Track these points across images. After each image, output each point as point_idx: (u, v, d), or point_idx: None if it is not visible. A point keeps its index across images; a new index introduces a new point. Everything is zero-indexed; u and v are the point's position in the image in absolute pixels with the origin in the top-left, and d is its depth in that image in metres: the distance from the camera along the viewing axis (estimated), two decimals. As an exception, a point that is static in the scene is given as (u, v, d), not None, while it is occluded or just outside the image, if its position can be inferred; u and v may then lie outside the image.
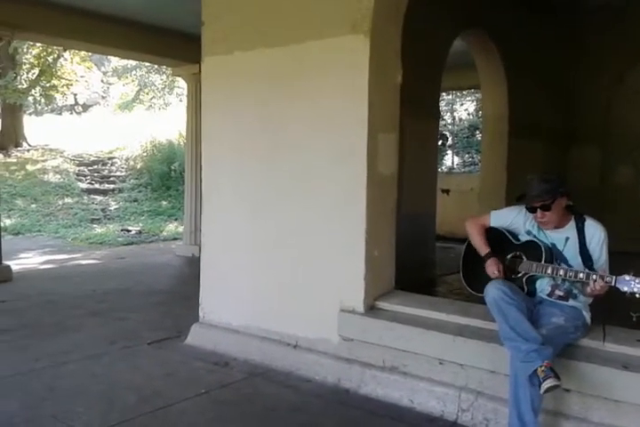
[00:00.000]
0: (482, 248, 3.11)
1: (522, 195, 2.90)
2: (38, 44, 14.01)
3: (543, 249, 2.89)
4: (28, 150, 15.34)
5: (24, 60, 15.35)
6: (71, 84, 17.66)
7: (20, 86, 15.08)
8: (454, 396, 3.08)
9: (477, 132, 14.82)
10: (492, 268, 2.98)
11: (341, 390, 3.43)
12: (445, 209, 8.38)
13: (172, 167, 14.17)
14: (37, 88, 16.39)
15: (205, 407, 3.21)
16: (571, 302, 2.88)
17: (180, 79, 13.14)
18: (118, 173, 14.72)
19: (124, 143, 15.92)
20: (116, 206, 13.06)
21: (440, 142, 9.60)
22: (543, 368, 2.47)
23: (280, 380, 3.59)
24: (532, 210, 2.89)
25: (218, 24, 4.21)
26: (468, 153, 15.43)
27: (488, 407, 2.96)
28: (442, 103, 10.66)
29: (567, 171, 8.02)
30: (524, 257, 2.97)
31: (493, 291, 2.74)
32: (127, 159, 15.26)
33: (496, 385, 2.95)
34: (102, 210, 12.70)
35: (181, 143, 14.26)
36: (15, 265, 7.06)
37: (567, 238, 2.89)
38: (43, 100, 18.61)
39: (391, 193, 3.81)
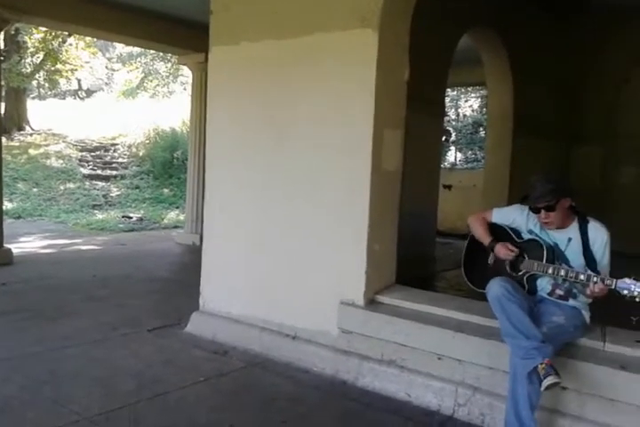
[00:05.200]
0: (485, 237, 3.12)
1: (526, 195, 2.90)
2: (43, 28, 13.94)
3: (545, 248, 2.90)
4: (31, 135, 15.33)
5: (28, 44, 15.29)
6: (75, 70, 17.63)
7: (23, 70, 15.02)
8: (451, 391, 3.10)
9: (481, 128, 14.81)
10: (503, 250, 2.99)
11: (339, 382, 3.46)
12: (447, 205, 8.40)
13: (175, 155, 14.17)
14: (41, 72, 16.34)
15: (204, 395, 3.24)
16: (571, 302, 2.90)
17: (184, 67, 13.11)
18: (120, 160, 14.71)
19: (127, 130, 15.90)
20: (118, 193, 13.08)
21: (443, 138, 9.59)
22: (544, 365, 2.50)
23: (279, 370, 3.62)
24: (535, 210, 2.90)
25: (226, 14, 4.20)
26: (471, 149, 15.42)
27: (484, 403, 2.99)
28: (446, 99, 10.63)
29: (570, 170, 8.03)
30: (525, 255, 2.98)
31: (496, 288, 2.76)
32: (130, 146, 15.25)
33: (493, 381, 2.98)
34: (104, 196, 12.73)
35: (184, 131, 14.25)
36: (16, 249, 7.08)
37: (570, 239, 2.90)
38: (46, 85, 18.57)
39: (395, 189, 3.82)
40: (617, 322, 3.08)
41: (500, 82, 7.46)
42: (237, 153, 4.21)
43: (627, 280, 2.53)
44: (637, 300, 2.50)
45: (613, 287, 2.57)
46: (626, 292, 2.52)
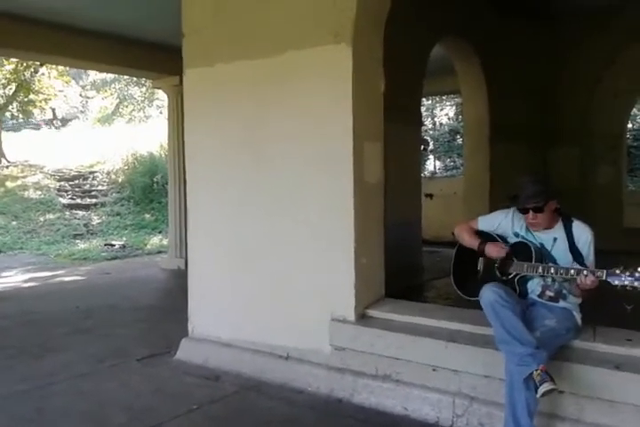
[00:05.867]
0: (474, 242, 3.13)
1: (515, 195, 2.92)
2: (14, 59, 13.86)
3: (533, 249, 2.92)
4: (7, 167, 15.14)
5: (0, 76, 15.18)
6: (49, 99, 17.49)
7: (-4, 102, 14.91)
8: (448, 402, 3.06)
9: (458, 136, 14.95)
10: (495, 249, 3.00)
11: (334, 401, 3.40)
12: (429, 213, 8.42)
13: (155, 180, 14.06)
14: (14, 104, 16.21)
15: (198, 424, 3.16)
16: (561, 304, 2.90)
17: (159, 91, 13.09)
18: (100, 188, 14.57)
19: (105, 157, 15.76)
20: (99, 221, 12.91)
21: (422, 147, 9.65)
22: (539, 372, 2.48)
23: (272, 392, 3.55)
24: (524, 211, 2.91)
25: (198, 36, 4.20)
26: (450, 157, 15.55)
27: (483, 412, 2.95)
28: (422, 109, 10.72)
29: (549, 171, 8.10)
30: (514, 258, 2.98)
31: (489, 294, 2.74)
32: (108, 173, 15.12)
33: (490, 390, 2.95)
34: (85, 225, 12.55)
35: (163, 155, 14.16)
36: (-3, 284, 6.95)
37: (555, 239, 2.92)
38: (20, 116, 18.42)
39: (378, 201, 3.81)
40: (608, 321, 3.08)
41: (474, 89, 7.55)
42: (217, 174, 4.18)
43: (616, 271, 2.56)
44: (629, 288, 2.52)
45: (604, 278, 2.59)
46: (617, 282, 2.55)
